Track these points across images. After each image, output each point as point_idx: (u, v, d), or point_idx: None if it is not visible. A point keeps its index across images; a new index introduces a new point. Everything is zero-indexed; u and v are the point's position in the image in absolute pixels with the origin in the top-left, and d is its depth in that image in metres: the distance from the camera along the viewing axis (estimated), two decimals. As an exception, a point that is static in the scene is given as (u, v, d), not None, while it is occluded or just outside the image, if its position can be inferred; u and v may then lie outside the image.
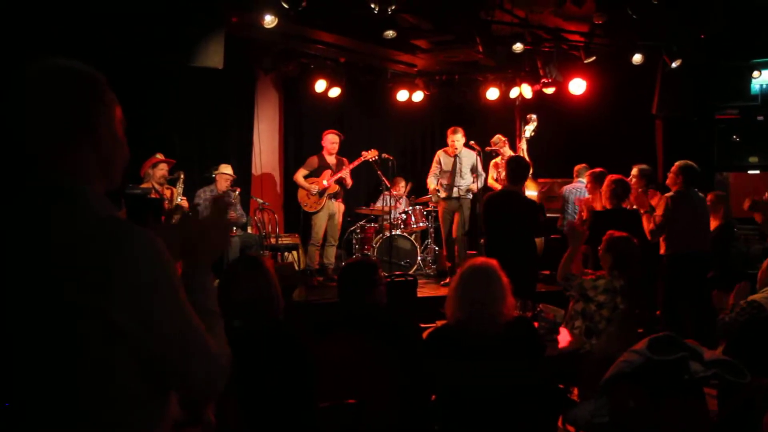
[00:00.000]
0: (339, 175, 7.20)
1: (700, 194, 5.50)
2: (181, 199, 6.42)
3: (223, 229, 1.52)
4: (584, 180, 6.94)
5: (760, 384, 2.69)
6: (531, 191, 7.21)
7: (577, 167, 7.58)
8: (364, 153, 7.37)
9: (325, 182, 7.17)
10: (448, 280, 7.00)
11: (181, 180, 6.48)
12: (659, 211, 5.26)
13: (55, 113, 1.26)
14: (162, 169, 6.33)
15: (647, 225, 5.29)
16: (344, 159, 7.38)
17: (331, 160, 7.30)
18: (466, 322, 2.88)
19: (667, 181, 5.47)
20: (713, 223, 5.86)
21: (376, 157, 7.40)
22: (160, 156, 6.35)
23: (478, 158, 7.16)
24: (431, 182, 7.30)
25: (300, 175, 7.26)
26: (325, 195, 7.20)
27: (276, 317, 2.59)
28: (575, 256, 4.25)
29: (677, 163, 5.41)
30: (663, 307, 5.40)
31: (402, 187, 8.74)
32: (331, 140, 7.29)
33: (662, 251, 5.38)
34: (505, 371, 2.81)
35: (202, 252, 1.45)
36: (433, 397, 2.99)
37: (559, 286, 4.24)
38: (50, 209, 1.22)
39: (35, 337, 1.19)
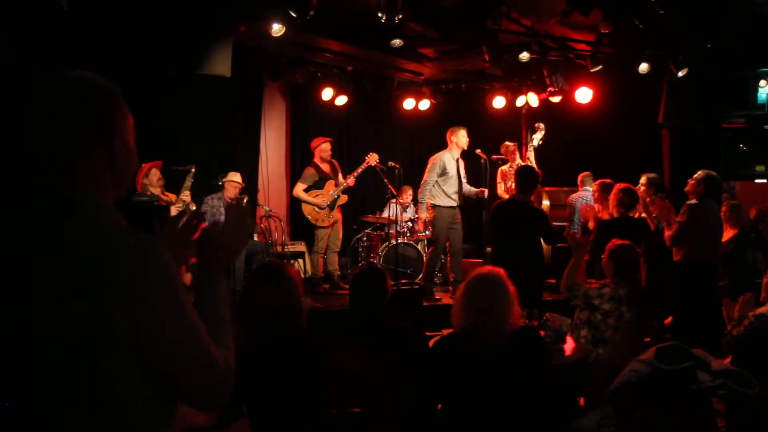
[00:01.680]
0: (347, 185, 7.22)
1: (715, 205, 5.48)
2: (185, 195, 6.24)
3: (241, 234, 1.52)
4: (590, 188, 6.93)
5: (769, 394, 2.67)
6: (545, 201, 7.23)
7: (581, 175, 7.57)
8: (366, 158, 7.38)
9: (336, 194, 7.18)
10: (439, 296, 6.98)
11: (191, 174, 6.24)
12: (681, 218, 5.22)
13: (73, 125, 1.27)
14: (155, 174, 6.26)
15: (668, 232, 5.26)
16: (334, 161, 7.40)
17: (326, 167, 7.30)
18: (473, 331, 2.88)
19: (687, 189, 5.42)
20: (729, 233, 5.83)
21: (378, 161, 7.38)
22: (145, 165, 6.20)
23: (464, 163, 7.10)
24: (426, 195, 6.89)
25: (300, 190, 7.19)
26: (336, 207, 7.21)
27: (299, 326, 2.57)
28: (578, 266, 4.24)
29: (700, 172, 5.36)
30: (675, 315, 5.37)
31: (409, 195, 8.74)
32: (325, 149, 7.31)
33: (677, 258, 5.34)
34: (511, 380, 2.81)
35: (215, 258, 1.46)
36: (439, 405, 2.99)
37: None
38: (60, 218, 1.23)
39: (38, 342, 1.19)
